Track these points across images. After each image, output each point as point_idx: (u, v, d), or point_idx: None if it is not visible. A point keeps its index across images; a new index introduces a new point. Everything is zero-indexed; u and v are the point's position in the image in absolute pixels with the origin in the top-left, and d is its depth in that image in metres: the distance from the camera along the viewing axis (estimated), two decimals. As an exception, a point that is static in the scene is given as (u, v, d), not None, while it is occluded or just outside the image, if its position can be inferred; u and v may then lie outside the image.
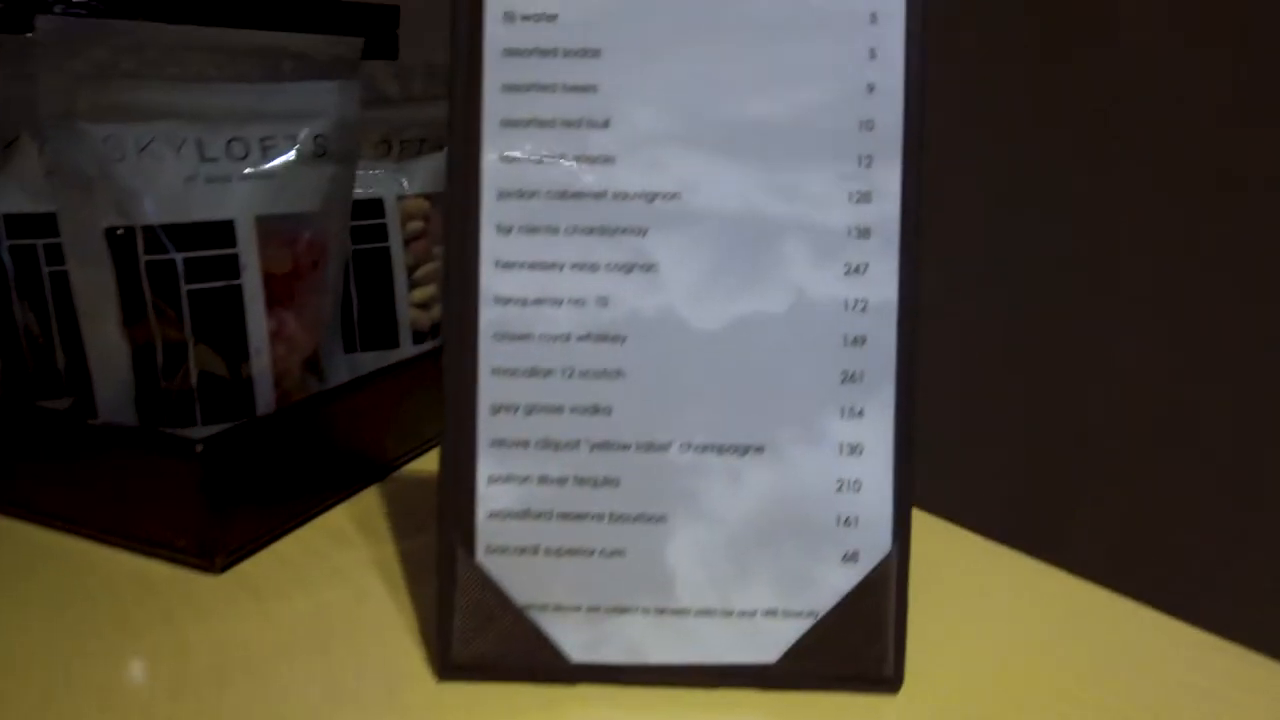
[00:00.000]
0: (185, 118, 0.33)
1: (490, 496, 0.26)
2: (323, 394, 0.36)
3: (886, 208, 0.25)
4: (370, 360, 0.43)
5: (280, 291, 0.35)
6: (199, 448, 0.31)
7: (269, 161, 0.34)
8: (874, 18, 0.25)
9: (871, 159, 0.25)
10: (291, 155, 0.35)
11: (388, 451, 0.40)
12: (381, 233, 0.43)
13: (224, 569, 0.32)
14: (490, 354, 0.25)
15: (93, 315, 0.33)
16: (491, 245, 0.25)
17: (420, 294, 0.44)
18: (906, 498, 0.26)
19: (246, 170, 0.34)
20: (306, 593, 0.31)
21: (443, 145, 0.45)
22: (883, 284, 0.25)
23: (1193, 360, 0.63)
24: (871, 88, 0.25)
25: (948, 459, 0.77)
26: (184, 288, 0.33)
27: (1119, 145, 0.65)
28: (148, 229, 0.33)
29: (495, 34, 0.25)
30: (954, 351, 0.76)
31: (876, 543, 0.25)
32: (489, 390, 0.25)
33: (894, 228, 0.25)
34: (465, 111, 0.25)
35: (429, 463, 0.41)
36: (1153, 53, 0.62)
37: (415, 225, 0.44)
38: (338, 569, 0.32)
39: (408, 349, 0.44)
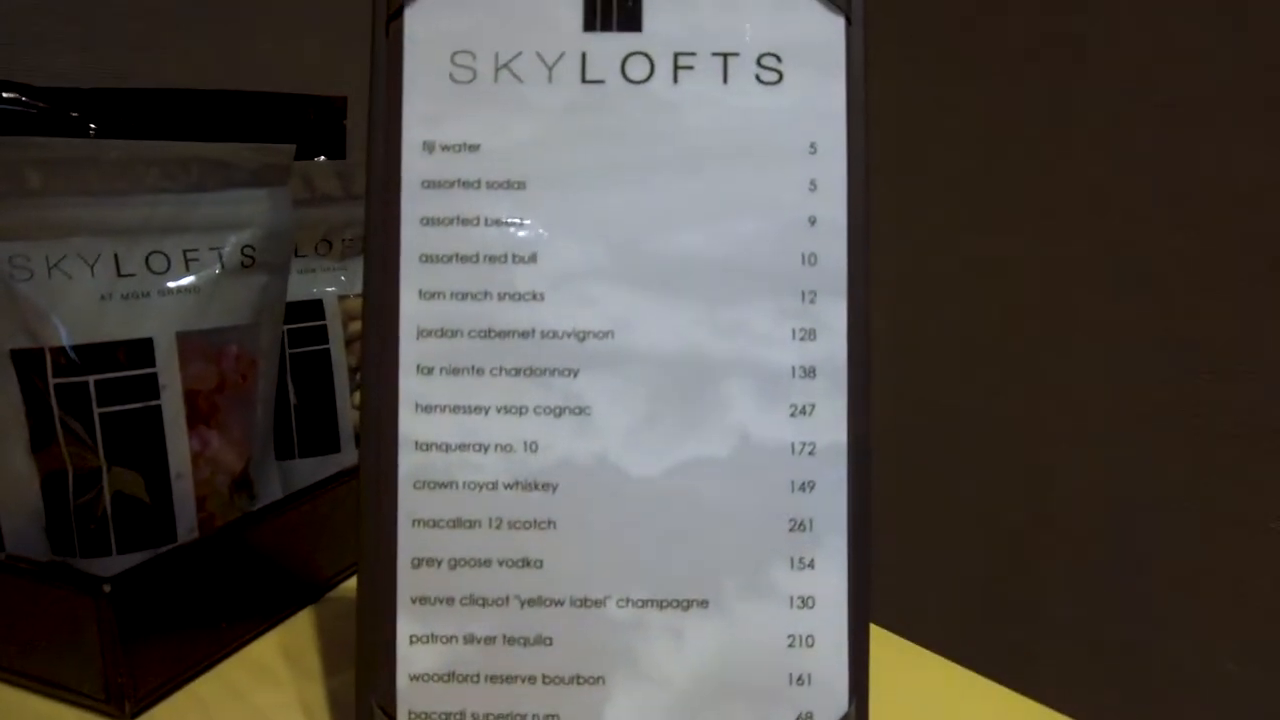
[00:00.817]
0: (100, 232, 0.31)
1: (412, 657, 0.24)
2: (247, 516, 0.34)
3: (832, 345, 0.24)
4: (309, 467, 0.41)
5: (205, 409, 0.33)
6: (106, 587, 0.28)
7: (192, 275, 0.33)
8: (814, 148, 0.24)
9: (815, 294, 0.24)
10: (216, 268, 0.33)
11: (322, 569, 0.37)
12: (322, 334, 0.41)
13: (134, 715, 0.30)
14: (411, 504, 0.24)
15: (-2, 440, 0.31)
16: (411, 387, 0.23)
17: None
18: (863, 652, 0.24)
19: (167, 285, 0.32)
20: (222, 744, 0.28)
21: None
22: (831, 425, 0.24)
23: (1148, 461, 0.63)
24: (813, 220, 0.24)
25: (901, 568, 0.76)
26: (97, 410, 0.31)
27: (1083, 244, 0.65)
28: (57, 350, 0.31)
29: (413, 165, 0.24)
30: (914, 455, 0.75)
31: (833, 702, 0.24)
32: (409, 542, 0.24)
33: (841, 366, 0.23)
34: (382, 246, 0.23)
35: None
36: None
37: (357, 325, 0.42)
38: (258, 711, 0.30)
39: (349, 453, 0.42)
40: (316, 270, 0.42)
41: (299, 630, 0.35)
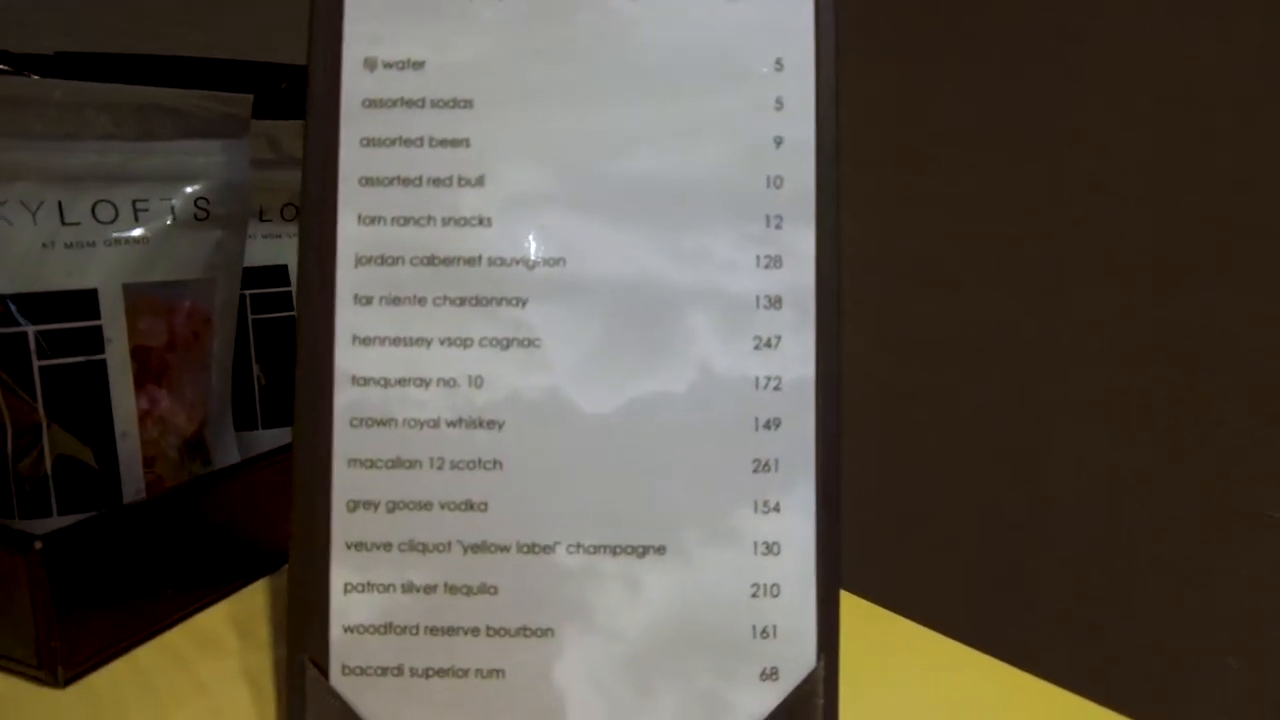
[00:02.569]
0: (43, 179, 0.30)
1: (346, 608, 0.22)
2: (197, 480, 0.32)
3: (800, 274, 0.22)
4: (273, 437, 0.40)
5: (154, 366, 0.32)
6: (38, 544, 0.27)
7: (141, 226, 0.31)
8: (780, 64, 0.22)
9: (781, 219, 0.22)
10: (167, 219, 0.32)
11: (279, 540, 0.36)
12: (287, 301, 0.40)
13: (68, 682, 0.28)
14: (347, 442, 0.22)
15: (-66, 395, 0.30)
16: (348, 318, 0.22)
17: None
18: (833, 603, 0.22)
19: (114, 235, 0.31)
20: (156, 711, 0.27)
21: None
22: (798, 359, 0.22)
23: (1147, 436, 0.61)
24: (779, 141, 0.22)
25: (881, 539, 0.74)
26: (36, 363, 0.30)
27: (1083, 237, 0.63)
28: (-5, 299, 0.29)
29: (354, 83, 0.22)
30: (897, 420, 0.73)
31: (799, 657, 0.22)
32: (345, 484, 0.22)
33: (809, 296, 0.22)
34: (320, 168, 0.22)
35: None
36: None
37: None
38: (200, 682, 0.28)
39: (315, 426, 0.41)
40: (282, 235, 0.40)
41: (251, 600, 0.33)
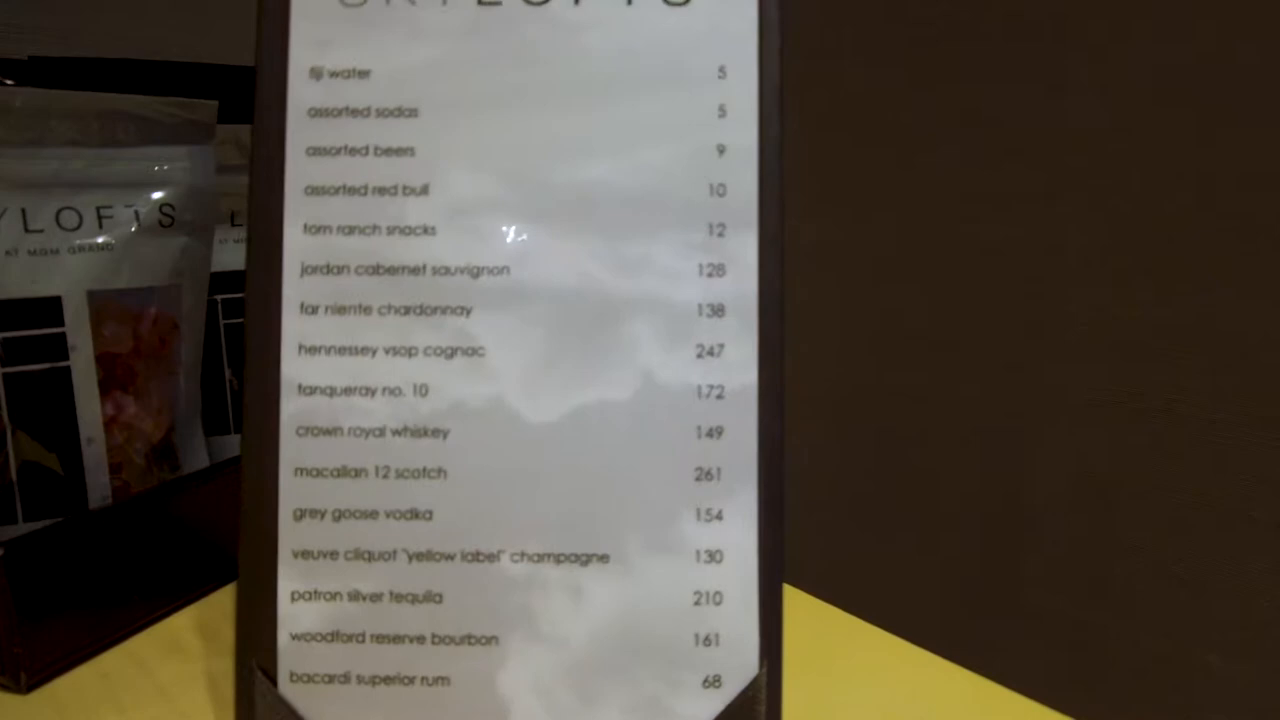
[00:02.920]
0: (6, 186, 0.30)
1: (293, 616, 0.22)
2: (162, 487, 0.32)
3: (742, 282, 0.22)
4: (246, 443, 0.40)
5: (120, 373, 0.32)
6: None
7: (105, 233, 0.31)
8: (723, 71, 0.22)
9: (724, 227, 0.22)
10: (132, 226, 0.32)
11: (250, 546, 0.36)
12: (259, 305, 0.40)
13: (30, 688, 0.28)
14: (293, 451, 0.22)
15: (-100, 402, 0.30)
16: (294, 327, 0.22)
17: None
18: (776, 610, 0.22)
19: (78, 242, 0.31)
20: (118, 716, 0.27)
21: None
22: (740, 368, 0.22)
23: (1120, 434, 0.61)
24: (722, 149, 0.22)
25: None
26: (0, 370, 0.30)
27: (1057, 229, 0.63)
28: (-41, 307, 0.29)
29: (300, 92, 0.22)
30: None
31: (742, 664, 0.22)
32: (291, 493, 0.22)
33: (751, 304, 0.22)
34: (266, 176, 0.22)
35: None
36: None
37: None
38: (161, 687, 0.29)
39: (288, 430, 0.41)
40: (255, 240, 0.40)
41: (218, 606, 0.33)
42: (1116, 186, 0.59)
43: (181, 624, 0.32)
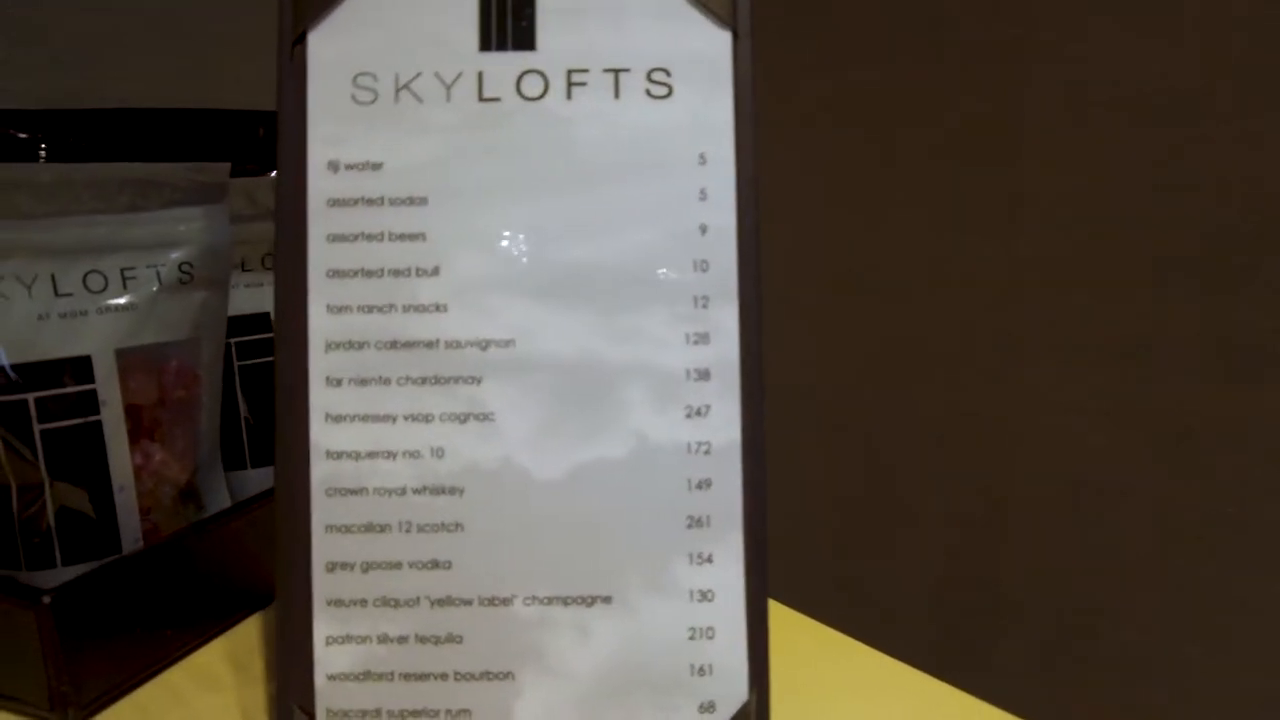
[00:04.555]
0: (36, 254, 0.32)
1: (329, 658, 0.24)
2: (190, 527, 0.35)
3: (725, 348, 0.24)
4: (260, 477, 0.42)
5: (147, 423, 0.34)
6: (46, 598, 0.29)
7: (130, 293, 0.33)
8: (703, 159, 0.24)
9: (708, 300, 0.24)
10: (154, 286, 0.34)
11: (269, 576, 0.38)
12: (270, 347, 0.42)
13: (78, 724, 0.31)
14: (324, 510, 0.24)
15: (-57, 458, 0.32)
16: (321, 398, 0.24)
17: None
18: (762, 642, 0.25)
19: (105, 303, 0.33)
20: (160, 749, 0.29)
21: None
22: (725, 426, 0.24)
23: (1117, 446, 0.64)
24: (704, 228, 0.24)
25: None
26: (37, 427, 0.32)
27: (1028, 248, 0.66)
28: (-4, 369, 0.31)
29: (319, 184, 0.24)
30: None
31: (733, 691, 0.25)
32: (323, 547, 0.24)
33: (734, 368, 0.24)
34: (291, 262, 0.24)
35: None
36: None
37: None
38: (197, 716, 0.31)
39: (301, 462, 0.43)
40: (264, 284, 0.43)
41: (245, 637, 0.36)
42: (1095, 190, 0.61)
43: (211, 656, 0.34)
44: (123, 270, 0.34)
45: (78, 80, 0.56)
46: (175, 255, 0.35)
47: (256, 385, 0.42)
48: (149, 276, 0.34)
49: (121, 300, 0.33)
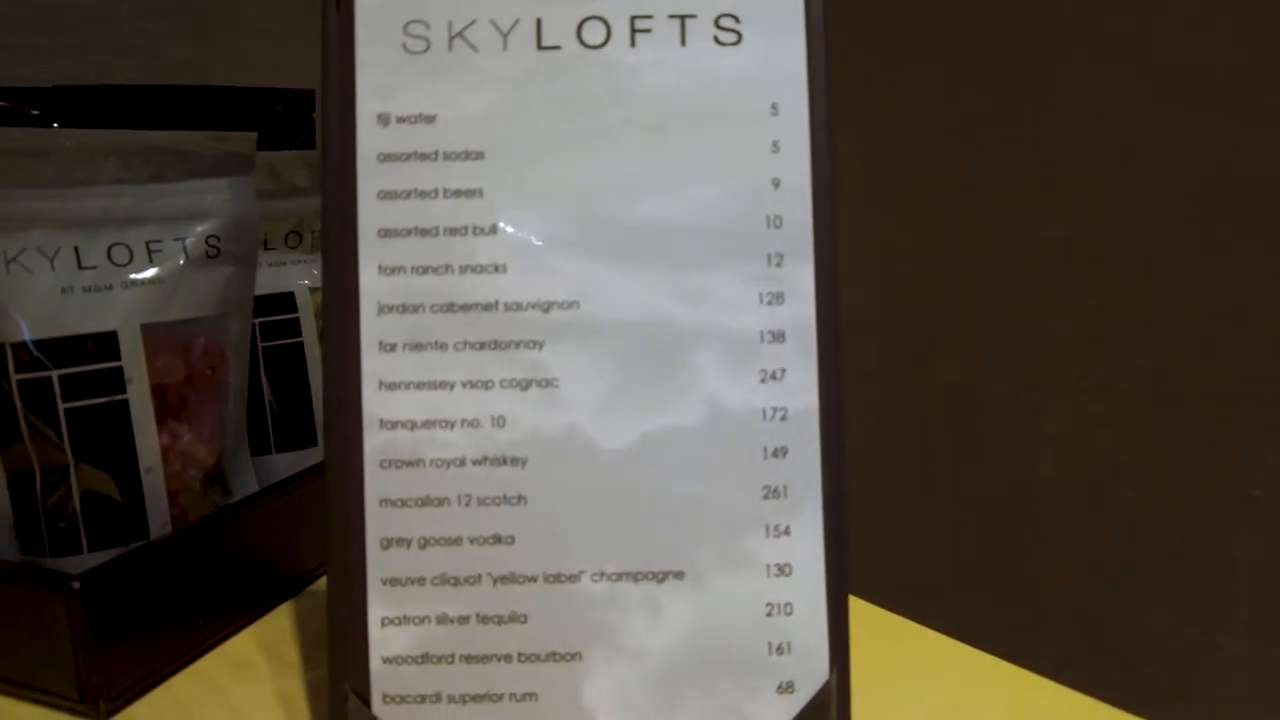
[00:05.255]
0: (59, 225, 0.30)
1: (384, 640, 0.23)
2: (221, 511, 0.33)
3: (801, 309, 0.23)
4: (286, 461, 0.41)
5: (174, 402, 0.33)
6: (75, 584, 0.28)
7: (155, 267, 0.32)
8: (775, 109, 0.23)
9: (782, 257, 0.23)
10: (180, 259, 0.32)
11: (301, 562, 0.37)
12: (294, 327, 0.41)
13: (109, 715, 0.29)
14: (377, 483, 0.23)
15: (-38, 440, 0.31)
16: (374, 365, 0.23)
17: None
18: (843, 619, 0.23)
19: (130, 277, 0.32)
20: (198, 740, 0.28)
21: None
22: (802, 390, 0.23)
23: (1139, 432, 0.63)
24: (777, 183, 0.23)
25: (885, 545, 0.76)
26: (61, 406, 0.31)
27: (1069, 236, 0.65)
28: (18, 345, 0.30)
29: (369, 138, 0.23)
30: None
31: (813, 670, 0.23)
32: (378, 523, 0.23)
33: (810, 330, 0.23)
34: (339, 221, 0.23)
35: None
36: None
37: (330, 316, 0.41)
38: (235, 707, 0.30)
39: (327, 447, 0.42)
40: (287, 263, 0.41)
41: (278, 624, 0.34)
42: (1117, 177, 0.60)
43: (245, 644, 0.33)
44: (148, 243, 0.32)
45: (94, 66, 0.54)
46: (201, 228, 0.33)
47: (280, 367, 0.41)
48: (175, 249, 0.32)
49: (147, 274, 0.32)
